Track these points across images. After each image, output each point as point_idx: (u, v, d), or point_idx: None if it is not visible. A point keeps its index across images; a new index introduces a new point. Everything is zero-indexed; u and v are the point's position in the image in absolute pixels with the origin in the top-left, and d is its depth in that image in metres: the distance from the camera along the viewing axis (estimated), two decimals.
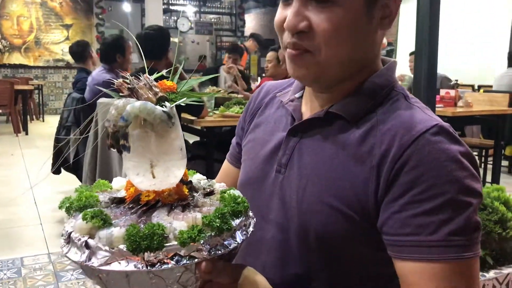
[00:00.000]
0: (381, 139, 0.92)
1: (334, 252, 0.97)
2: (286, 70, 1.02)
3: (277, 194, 1.04)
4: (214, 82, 6.13)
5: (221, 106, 4.14)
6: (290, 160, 1.03)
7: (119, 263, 0.72)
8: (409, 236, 0.86)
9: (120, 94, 0.83)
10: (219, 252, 0.76)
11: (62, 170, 4.17)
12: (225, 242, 0.77)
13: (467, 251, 0.84)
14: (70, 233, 0.78)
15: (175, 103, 0.81)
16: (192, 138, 4.25)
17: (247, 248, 0.97)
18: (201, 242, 0.74)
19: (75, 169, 4.04)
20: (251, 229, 0.84)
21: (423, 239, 0.84)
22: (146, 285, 0.73)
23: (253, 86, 6.41)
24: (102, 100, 3.02)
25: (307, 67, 0.95)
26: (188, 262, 0.73)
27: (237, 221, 0.80)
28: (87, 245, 0.74)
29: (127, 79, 0.83)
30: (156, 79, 0.85)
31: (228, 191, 0.88)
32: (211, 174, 3.95)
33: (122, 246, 0.72)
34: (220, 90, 5.19)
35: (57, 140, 4.26)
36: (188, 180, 0.89)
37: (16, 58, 11.87)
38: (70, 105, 4.08)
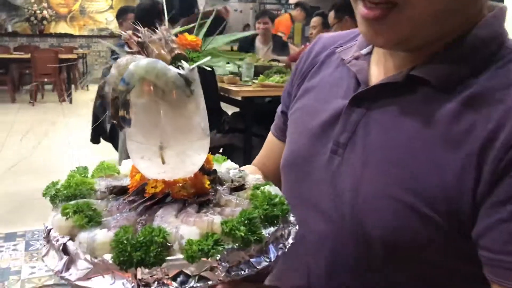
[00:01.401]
0: (487, 116, 0.66)
1: (404, 264, 0.73)
2: None
3: (330, 182, 0.79)
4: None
5: (260, 75, 3.81)
6: (351, 138, 0.78)
7: (103, 277, 0.52)
8: None
9: (128, 50, 0.62)
10: (242, 272, 0.54)
11: (101, 139, 4.09)
12: (252, 260, 0.56)
13: None
14: (50, 230, 0.59)
15: (196, 64, 0.59)
16: (230, 109, 4.01)
17: None
18: (217, 258, 0.52)
19: (112, 138, 3.93)
20: (290, 241, 0.61)
21: None
22: None
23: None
24: None
25: (392, 29, 0.69)
26: (197, 285, 0.52)
27: (272, 229, 0.58)
28: (65, 250, 0.55)
29: (139, 31, 0.62)
30: (176, 34, 0.64)
31: (262, 187, 0.66)
32: (248, 149, 3.70)
33: (108, 256, 0.52)
34: (260, 59, 4.77)
35: (94, 109, 4.17)
36: (212, 169, 0.68)
37: (62, 27, 11.67)
38: (105, 73, 3.97)
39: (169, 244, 0.53)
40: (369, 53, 0.84)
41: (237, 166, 0.77)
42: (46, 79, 8.70)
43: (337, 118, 0.81)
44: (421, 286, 0.74)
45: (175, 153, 0.60)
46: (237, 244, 0.54)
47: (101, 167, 0.73)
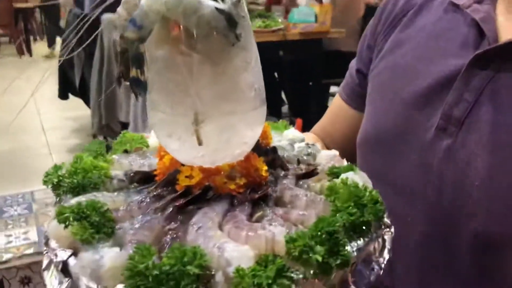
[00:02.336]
0: None
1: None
2: None
3: (436, 168, 0.59)
4: None
5: None
6: (471, 112, 0.57)
7: None
8: None
9: None
10: None
11: (70, 94, 3.90)
12: None
13: None
14: (48, 238, 0.43)
15: None
16: None
17: None
18: None
19: (82, 93, 3.74)
20: (386, 256, 0.42)
21: None
22: None
23: None
24: (107, 15, 2.62)
25: None
26: None
27: (361, 243, 0.39)
28: (65, 270, 0.39)
29: None
30: None
31: (343, 174, 0.46)
32: None
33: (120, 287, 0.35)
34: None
35: (60, 63, 3.96)
36: (271, 146, 0.49)
37: None
38: (71, 23, 3.69)
39: (210, 273, 0.35)
40: None
41: (302, 135, 0.57)
42: (1, 31, 8.12)
43: (449, 84, 0.59)
44: None
45: (216, 128, 0.41)
46: (311, 272, 0.36)
47: (126, 140, 0.55)
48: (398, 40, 0.70)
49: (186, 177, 0.43)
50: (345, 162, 0.52)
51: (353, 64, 0.81)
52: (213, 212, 0.40)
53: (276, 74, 3.56)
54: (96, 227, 0.38)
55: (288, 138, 0.55)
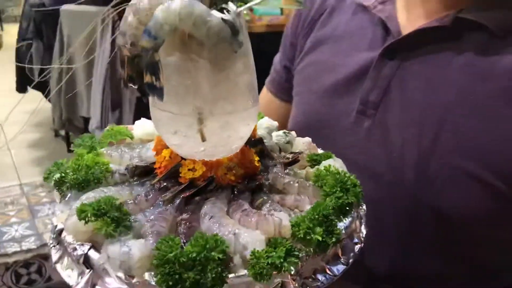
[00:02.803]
0: None
1: (457, 234, 0.64)
2: None
3: (359, 149, 0.68)
4: None
5: None
6: (385, 96, 0.66)
7: None
8: None
9: None
10: (320, 284, 0.43)
11: (28, 87, 3.71)
12: (329, 266, 0.44)
13: None
14: (61, 231, 0.45)
15: (248, 5, 0.43)
16: None
17: None
18: (292, 272, 0.40)
19: (41, 87, 3.59)
20: (364, 231, 0.50)
21: None
22: None
23: None
24: (66, 6, 2.52)
25: None
26: None
27: (347, 222, 0.46)
28: (87, 262, 0.42)
29: None
30: None
31: (324, 161, 0.52)
32: None
33: (149, 276, 0.40)
34: None
35: (18, 55, 3.72)
36: (257, 137, 0.54)
37: None
38: (28, 14, 3.48)
39: (229, 257, 0.40)
40: None
41: (276, 123, 0.63)
42: None
43: (364, 73, 0.68)
44: (487, 262, 0.66)
45: (218, 126, 0.46)
46: (311, 250, 0.42)
47: (111, 133, 0.58)
48: (318, 39, 0.79)
49: (190, 169, 0.47)
50: (318, 149, 0.59)
51: (277, 60, 0.89)
52: (220, 202, 0.45)
53: None
54: (116, 221, 0.42)
55: (264, 127, 0.61)
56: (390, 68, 0.66)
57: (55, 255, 0.46)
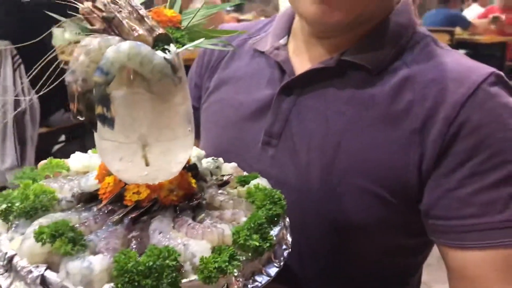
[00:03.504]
0: (422, 94, 0.70)
1: (353, 240, 0.74)
2: None
3: (266, 175, 0.73)
4: None
5: None
6: (286, 127, 0.76)
7: None
8: (472, 219, 0.65)
9: (88, 27, 0.50)
10: (259, 284, 0.49)
11: None
12: (265, 268, 0.51)
13: None
14: (12, 257, 0.47)
15: (186, 47, 0.50)
16: None
17: None
18: (235, 274, 0.47)
19: None
20: (289, 238, 0.57)
21: (492, 220, 0.65)
22: None
23: None
24: None
25: (349, 6, 0.69)
26: None
27: (276, 230, 0.54)
28: (44, 283, 0.45)
29: (100, 2, 0.50)
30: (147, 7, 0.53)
31: (252, 180, 0.60)
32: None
33: (108, 287, 0.43)
34: None
35: None
36: (191, 163, 0.60)
37: None
38: None
39: (181, 265, 0.45)
40: (286, 44, 0.82)
41: (203, 152, 0.70)
42: None
43: (266, 108, 0.78)
44: (370, 261, 0.77)
45: (160, 152, 0.51)
46: (250, 254, 0.49)
47: (48, 165, 0.60)
48: (221, 79, 0.88)
49: (134, 193, 0.52)
50: (243, 172, 0.67)
51: None
52: (166, 219, 0.50)
53: None
54: (73, 241, 0.45)
55: (194, 155, 0.67)
56: (288, 103, 0.77)
57: (4, 282, 0.48)
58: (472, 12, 6.81)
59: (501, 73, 0.70)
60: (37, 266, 0.45)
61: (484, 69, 0.69)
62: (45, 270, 0.45)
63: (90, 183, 0.57)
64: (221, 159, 0.67)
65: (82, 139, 3.48)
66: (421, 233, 0.72)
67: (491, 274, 0.65)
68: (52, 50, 0.52)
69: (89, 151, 0.67)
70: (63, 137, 3.85)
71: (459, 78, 0.69)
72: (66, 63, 0.49)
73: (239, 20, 4.00)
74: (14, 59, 3.05)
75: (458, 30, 5.63)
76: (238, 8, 5.63)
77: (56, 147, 3.87)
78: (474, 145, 0.65)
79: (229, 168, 0.65)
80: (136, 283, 0.43)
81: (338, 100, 0.73)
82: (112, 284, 0.43)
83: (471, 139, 0.65)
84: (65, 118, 3.56)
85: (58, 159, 0.62)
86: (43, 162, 0.63)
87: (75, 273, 0.43)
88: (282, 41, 0.81)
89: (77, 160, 0.63)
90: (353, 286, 0.77)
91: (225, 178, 0.61)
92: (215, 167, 0.64)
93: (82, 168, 0.62)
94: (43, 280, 0.45)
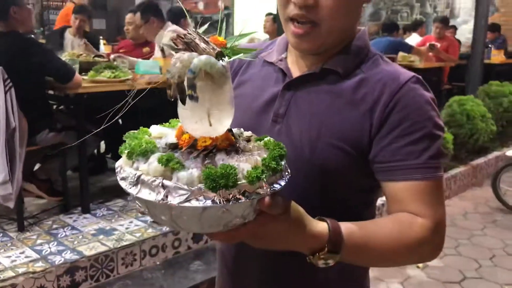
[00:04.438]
0: (372, 88, 1.13)
1: (331, 181, 1.15)
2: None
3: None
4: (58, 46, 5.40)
5: (90, 71, 3.94)
6: (288, 110, 1.19)
7: (197, 200, 0.82)
8: (399, 162, 1.09)
9: (175, 47, 0.89)
10: (276, 188, 0.88)
11: None
12: (279, 181, 0.90)
13: (440, 171, 1.11)
14: (140, 176, 0.85)
15: (233, 58, 0.89)
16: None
17: None
18: (265, 180, 0.86)
19: None
20: (288, 170, 0.97)
21: (410, 163, 1.08)
22: (214, 219, 0.84)
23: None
24: None
25: (314, 40, 1.12)
26: (255, 197, 0.85)
27: (283, 163, 0.93)
28: (163, 186, 0.82)
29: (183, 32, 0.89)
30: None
31: (265, 138, 1.00)
32: (83, 147, 3.80)
33: (200, 185, 0.82)
34: (81, 54, 4.75)
35: None
36: (228, 128, 0.99)
37: None
38: None
39: (237, 173, 0.84)
40: (286, 57, 1.26)
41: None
42: None
43: (274, 99, 1.22)
44: (339, 195, 1.18)
45: (217, 118, 0.90)
46: (271, 172, 0.88)
47: (142, 130, 0.98)
48: (240, 81, 1.32)
49: (203, 142, 0.90)
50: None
51: None
52: (222, 155, 0.89)
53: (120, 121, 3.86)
54: (178, 163, 0.83)
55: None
56: (289, 95, 1.20)
57: (134, 190, 0.85)
58: (411, 41, 7.71)
59: (420, 76, 1.14)
60: (157, 178, 0.83)
61: (409, 73, 1.14)
62: (163, 179, 0.83)
63: (170, 140, 0.95)
64: (242, 129, 1.07)
65: (63, 156, 3.76)
66: (371, 175, 1.14)
67: (410, 197, 1.07)
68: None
69: (157, 125, 1.04)
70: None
71: (393, 78, 1.13)
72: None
73: None
74: (6, 83, 3.34)
75: (399, 56, 6.45)
76: None
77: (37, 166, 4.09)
78: (401, 118, 1.09)
79: (249, 133, 1.05)
80: (215, 181, 0.81)
81: (320, 94, 1.17)
82: (202, 184, 0.82)
83: (399, 114, 1.09)
84: (50, 137, 3.84)
85: (144, 128, 0.99)
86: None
87: (182, 177, 0.81)
88: (283, 55, 1.26)
89: (155, 129, 1.00)
90: (328, 215, 1.17)
91: (249, 137, 1.00)
92: (240, 133, 1.04)
93: (158, 134, 1.00)
94: (163, 184, 0.82)
